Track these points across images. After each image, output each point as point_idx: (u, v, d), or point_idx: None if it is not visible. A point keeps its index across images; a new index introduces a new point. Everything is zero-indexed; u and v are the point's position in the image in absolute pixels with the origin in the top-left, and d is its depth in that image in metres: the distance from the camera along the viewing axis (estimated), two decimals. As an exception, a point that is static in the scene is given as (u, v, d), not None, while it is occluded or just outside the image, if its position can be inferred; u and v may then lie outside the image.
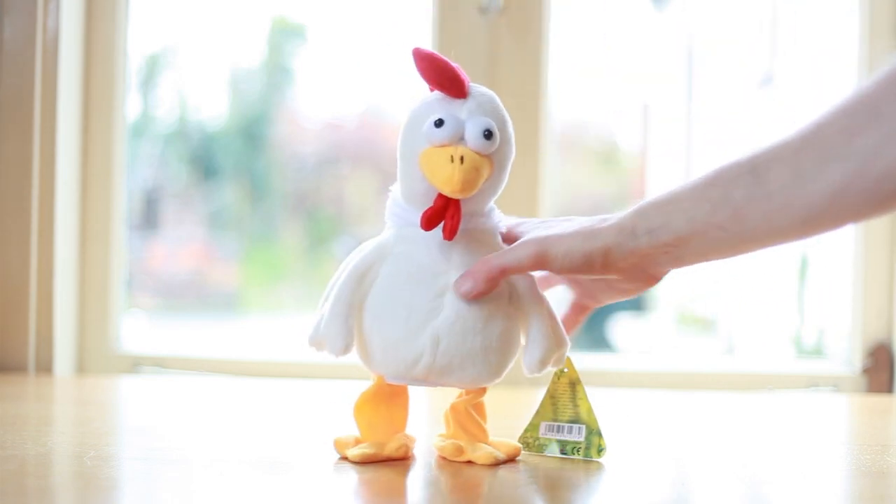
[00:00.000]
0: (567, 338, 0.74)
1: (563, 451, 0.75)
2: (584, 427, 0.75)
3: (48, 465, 0.71)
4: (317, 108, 3.11)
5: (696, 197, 0.66)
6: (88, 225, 1.23)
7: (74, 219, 1.22)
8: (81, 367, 1.23)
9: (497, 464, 0.72)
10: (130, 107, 1.83)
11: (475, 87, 0.71)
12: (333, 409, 0.98)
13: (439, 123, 0.69)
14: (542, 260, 0.70)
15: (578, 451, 0.75)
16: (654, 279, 0.73)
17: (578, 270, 0.70)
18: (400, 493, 0.67)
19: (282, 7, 3.05)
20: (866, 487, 0.69)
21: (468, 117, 0.69)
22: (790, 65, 2.70)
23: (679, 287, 3.17)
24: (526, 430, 0.77)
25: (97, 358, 1.23)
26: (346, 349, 0.70)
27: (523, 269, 0.71)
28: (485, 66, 1.18)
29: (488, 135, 0.69)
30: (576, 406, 0.76)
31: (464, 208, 0.70)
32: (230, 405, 1.03)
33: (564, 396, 0.76)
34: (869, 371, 1.18)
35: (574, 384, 0.76)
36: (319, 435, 0.82)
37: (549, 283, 0.80)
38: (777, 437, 0.89)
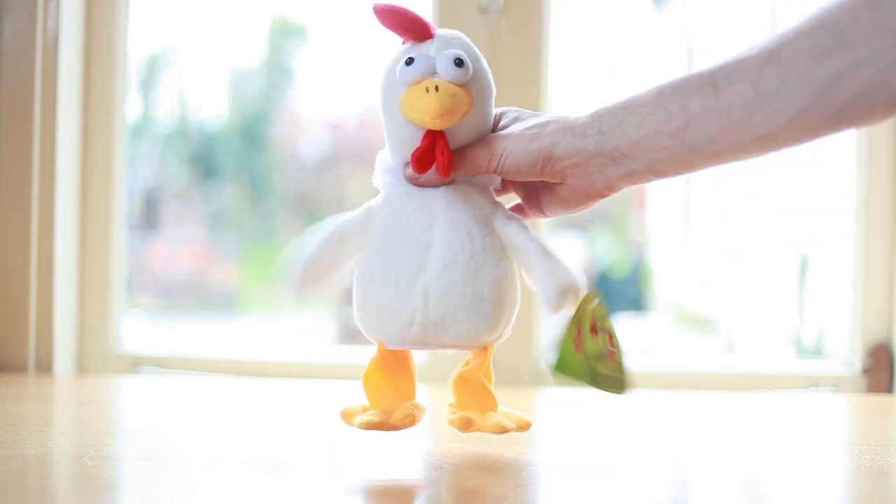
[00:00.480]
0: (575, 273, 0.70)
1: (593, 382, 0.70)
2: (616, 362, 0.71)
3: (48, 465, 0.71)
4: (317, 108, 3.10)
5: (652, 103, 0.65)
6: (88, 225, 1.23)
7: (74, 219, 1.22)
8: (81, 367, 1.23)
9: (505, 431, 0.71)
10: (130, 107, 1.83)
11: (441, 29, 0.72)
12: (333, 409, 0.98)
13: (409, 62, 0.70)
14: (493, 162, 0.70)
15: (608, 383, 0.70)
16: (599, 193, 0.70)
17: (523, 174, 0.69)
18: (400, 493, 0.67)
19: (282, 7, 3.05)
20: (866, 487, 0.69)
21: (437, 53, 0.70)
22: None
23: (679, 287, 3.17)
24: (559, 348, 0.69)
25: (97, 358, 1.23)
26: (304, 288, 0.71)
27: (479, 170, 0.70)
28: (485, 66, 1.18)
29: (459, 62, 0.70)
30: (605, 338, 0.70)
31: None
32: (230, 405, 1.03)
33: (588, 325, 0.70)
34: (869, 371, 1.18)
35: (602, 319, 0.70)
36: (319, 435, 0.82)
37: (506, 190, 0.76)
38: (777, 437, 0.89)
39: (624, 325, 3.17)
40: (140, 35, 1.32)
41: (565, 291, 0.69)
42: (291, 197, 3.15)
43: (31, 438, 0.78)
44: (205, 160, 3.17)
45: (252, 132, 3.17)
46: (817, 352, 2.13)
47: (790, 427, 0.95)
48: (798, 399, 1.13)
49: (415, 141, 0.70)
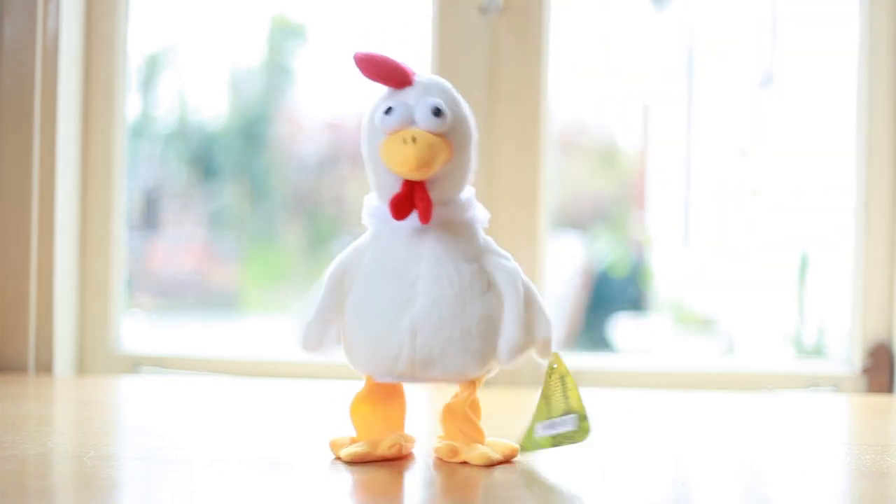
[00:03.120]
0: (548, 329, 0.72)
1: (555, 445, 0.75)
2: (574, 416, 0.74)
3: (48, 465, 0.71)
4: (317, 108, 3.10)
5: None
6: (88, 225, 1.23)
7: (74, 219, 1.22)
8: (81, 367, 1.23)
9: (492, 464, 0.72)
10: (130, 107, 1.83)
11: (422, 75, 0.72)
12: (333, 409, 0.98)
13: (388, 111, 0.70)
14: None
15: (569, 438, 0.74)
16: None
17: None
18: (399, 493, 0.67)
19: (282, 7, 3.05)
20: (866, 487, 0.69)
21: (416, 101, 0.70)
22: (790, 65, 2.70)
23: (679, 287, 3.17)
24: (524, 436, 0.77)
25: (97, 358, 1.23)
26: (317, 349, 0.72)
27: None
28: (485, 66, 1.18)
29: (437, 112, 0.70)
30: (566, 398, 0.75)
31: (433, 196, 0.70)
32: (230, 405, 1.03)
33: (556, 393, 0.75)
34: (869, 371, 1.18)
35: (563, 377, 0.75)
36: (319, 435, 0.82)
37: None
38: (777, 437, 0.89)
39: (624, 325, 3.17)
40: (140, 35, 1.32)
41: (516, 351, 0.71)
42: (291, 197, 3.15)
43: (31, 438, 0.78)
44: (205, 160, 3.17)
45: (252, 132, 3.17)
46: (817, 352, 2.13)
47: (790, 427, 0.95)
48: (798, 399, 1.13)
49: (395, 188, 0.71)
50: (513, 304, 0.71)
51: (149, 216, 3.10)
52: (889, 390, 1.17)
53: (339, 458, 0.73)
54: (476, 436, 0.74)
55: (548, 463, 0.74)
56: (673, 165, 3.37)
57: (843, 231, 1.25)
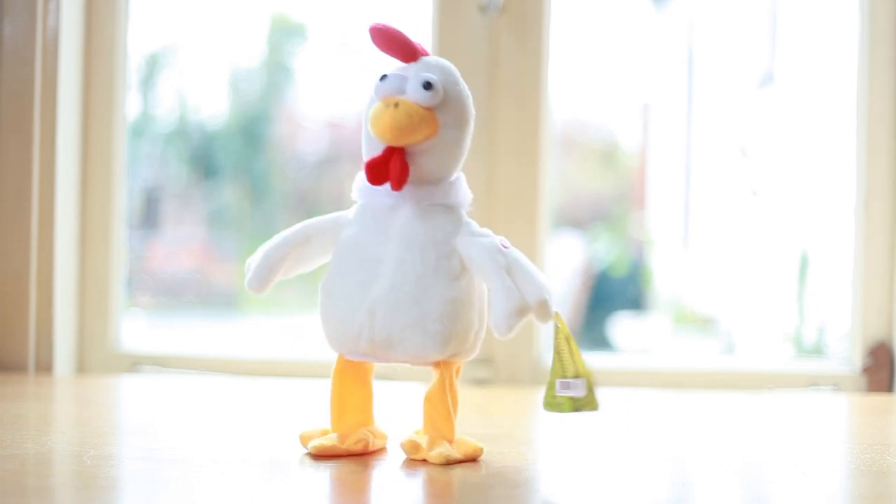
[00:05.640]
0: (541, 291, 0.70)
1: (576, 409, 0.73)
2: (583, 381, 0.73)
3: (48, 465, 0.71)
4: (317, 107, 3.10)
5: None
6: (88, 225, 1.23)
7: (74, 219, 1.22)
8: (81, 367, 1.23)
9: (450, 464, 0.71)
10: (130, 106, 1.83)
11: (431, 57, 0.73)
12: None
13: (383, 77, 0.71)
14: None
15: (584, 405, 0.73)
16: None
17: None
18: (400, 493, 0.67)
19: (282, 7, 3.05)
20: (866, 487, 0.69)
21: (413, 75, 0.71)
22: (790, 65, 2.70)
23: (679, 287, 3.17)
24: (546, 392, 0.74)
25: (97, 358, 1.23)
26: (259, 289, 0.73)
27: None
28: (485, 66, 1.18)
29: (427, 85, 0.70)
30: (574, 361, 0.74)
31: (415, 172, 0.71)
32: (230, 405, 1.03)
33: (565, 352, 0.74)
34: (869, 370, 1.18)
35: (567, 339, 0.73)
36: (319, 435, 0.82)
37: None
38: (777, 437, 0.89)
39: (624, 325, 3.17)
40: (140, 34, 1.32)
41: (509, 319, 0.68)
42: (291, 197, 3.15)
43: (31, 438, 0.78)
44: (205, 160, 3.17)
45: (252, 132, 3.17)
46: (817, 351, 2.13)
47: (790, 427, 0.95)
48: (798, 399, 1.13)
49: (377, 153, 0.71)
50: (494, 274, 0.69)
51: (149, 216, 3.10)
52: (889, 390, 1.17)
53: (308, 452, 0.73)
54: (445, 431, 0.72)
55: (547, 461, 0.74)
56: (673, 165, 3.37)
57: (843, 231, 1.25)
